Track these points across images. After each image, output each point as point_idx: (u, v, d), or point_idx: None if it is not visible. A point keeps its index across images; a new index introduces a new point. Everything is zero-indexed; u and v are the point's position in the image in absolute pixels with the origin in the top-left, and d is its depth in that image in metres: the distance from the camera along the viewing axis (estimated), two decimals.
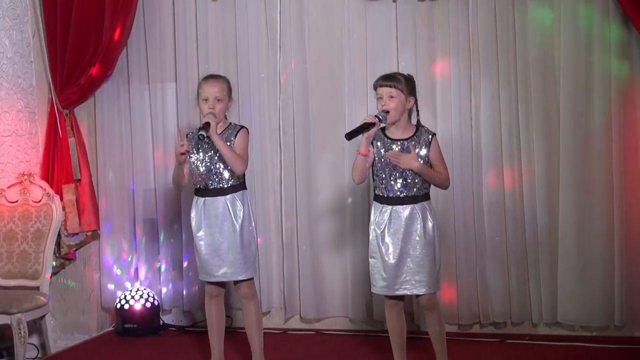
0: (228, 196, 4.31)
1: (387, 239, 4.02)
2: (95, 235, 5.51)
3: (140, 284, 5.67)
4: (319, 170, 5.43)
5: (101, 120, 5.64)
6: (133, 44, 5.55)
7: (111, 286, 5.68)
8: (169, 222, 5.56)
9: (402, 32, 5.20)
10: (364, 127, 3.93)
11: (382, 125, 3.98)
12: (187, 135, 4.39)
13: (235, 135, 4.32)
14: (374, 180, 4.13)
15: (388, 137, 4.08)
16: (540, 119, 5.07)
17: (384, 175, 4.05)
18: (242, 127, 4.39)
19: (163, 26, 5.51)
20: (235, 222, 4.30)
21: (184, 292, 5.62)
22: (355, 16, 5.28)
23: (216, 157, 4.29)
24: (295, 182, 5.42)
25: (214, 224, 4.31)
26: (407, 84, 4.02)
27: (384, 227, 4.02)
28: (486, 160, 5.15)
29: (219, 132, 4.26)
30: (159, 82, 5.55)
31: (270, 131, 5.47)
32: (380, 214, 4.05)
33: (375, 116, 3.96)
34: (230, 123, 4.40)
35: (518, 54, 5.07)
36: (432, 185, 4.10)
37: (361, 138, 3.98)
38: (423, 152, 4.01)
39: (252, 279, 4.40)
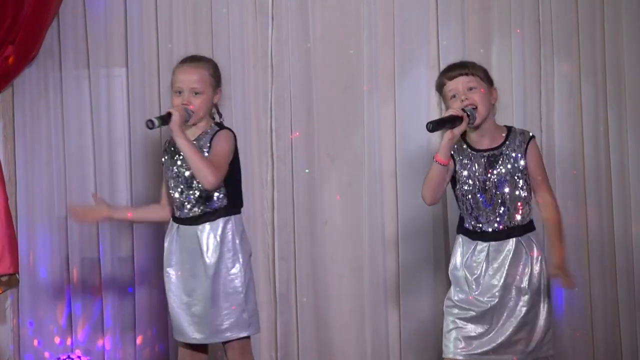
0: (204, 225, 3.89)
1: (484, 287, 3.71)
2: (12, 282, 4.89)
3: (78, 351, 4.99)
4: (327, 192, 4.94)
5: (22, 119, 5.06)
6: (67, 15, 4.99)
7: (39, 354, 5.04)
8: (118, 264, 4.99)
9: None
10: (451, 120, 3.61)
11: (470, 124, 3.66)
12: (165, 144, 4.02)
13: (212, 140, 3.89)
14: (460, 209, 3.84)
15: (472, 148, 3.74)
16: (637, 121, 4.65)
17: (472, 201, 3.74)
18: (225, 128, 3.94)
19: None
20: (207, 260, 3.85)
21: None
22: None
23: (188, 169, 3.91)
24: (293, 207, 4.91)
25: (186, 261, 3.93)
26: (484, 71, 3.76)
27: (480, 271, 3.72)
28: (562, 177, 4.71)
29: (193, 139, 3.85)
30: (103, 68, 5.02)
31: (258, 136, 4.95)
32: (473, 254, 3.75)
33: (463, 110, 3.59)
34: (213, 124, 3.95)
35: (607, 31, 4.66)
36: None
37: (440, 141, 3.64)
38: (522, 163, 3.72)
39: (243, 340, 3.88)
